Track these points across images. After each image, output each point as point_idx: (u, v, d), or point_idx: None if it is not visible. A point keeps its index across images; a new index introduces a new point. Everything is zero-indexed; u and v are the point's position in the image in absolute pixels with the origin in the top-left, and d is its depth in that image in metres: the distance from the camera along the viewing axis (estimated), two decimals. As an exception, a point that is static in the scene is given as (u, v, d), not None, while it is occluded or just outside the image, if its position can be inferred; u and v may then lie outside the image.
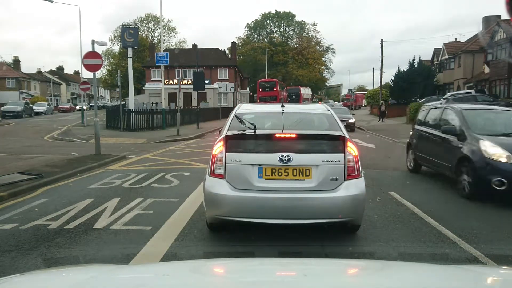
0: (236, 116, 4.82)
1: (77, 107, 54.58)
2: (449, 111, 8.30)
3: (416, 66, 38.72)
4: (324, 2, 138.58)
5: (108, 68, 65.17)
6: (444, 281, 1.68)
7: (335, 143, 4.47)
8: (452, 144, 7.48)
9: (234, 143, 4.47)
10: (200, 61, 29.69)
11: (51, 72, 76.11)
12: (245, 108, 5.71)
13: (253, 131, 4.42)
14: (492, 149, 6.54)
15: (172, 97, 40.33)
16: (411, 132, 10.38)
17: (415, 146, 9.39)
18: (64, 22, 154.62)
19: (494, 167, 6.37)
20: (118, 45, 59.05)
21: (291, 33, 76.65)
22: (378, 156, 12.35)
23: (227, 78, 49.08)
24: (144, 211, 5.93)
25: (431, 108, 9.77)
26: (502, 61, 29.35)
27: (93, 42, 12.59)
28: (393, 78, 40.63)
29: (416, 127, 9.75)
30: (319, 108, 5.75)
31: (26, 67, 69.53)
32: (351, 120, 23.64)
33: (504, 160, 6.37)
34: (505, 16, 13.34)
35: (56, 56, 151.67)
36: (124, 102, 29.30)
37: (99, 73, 57.93)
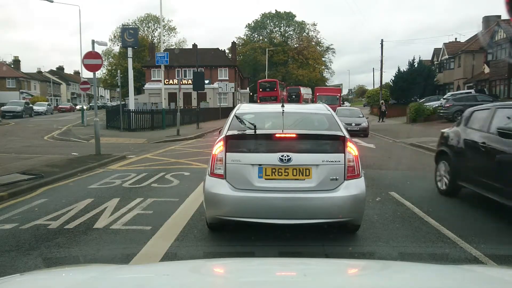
0: (236, 116, 4.81)
1: (77, 107, 54.58)
2: None
3: (416, 66, 38.74)
4: (333, 3, 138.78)
5: (108, 68, 65.18)
6: (444, 281, 1.68)
7: (335, 143, 4.47)
8: None
9: (234, 143, 4.46)
10: (200, 61, 29.67)
11: (51, 72, 76.07)
12: (245, 108, 5.70)
13: (253, 131, 4.42)
14: None
15: (172, 97, 40.33)
16: None
17: None
18: (76, 22, 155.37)
19: None
20: (118, 45, 59.11)
21: (291, 33, 76.77)
22: (378, 156, 12.35)
23: (227, 78, 49.10)
24: (144, 211, 5.93)
25: None
26: (502, 61, 29.37)
27: (93, 42, 12.59)
28: (393, 78, 40.67)
29: None
30: (319, 108, 5.74)
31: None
32: (364, 124, 19.34)
33: None
34: (505, 16, 13.33)
35: (70, 55, 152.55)
36: (124, 102, 29.31)
37: (99, 73, 57.95)
